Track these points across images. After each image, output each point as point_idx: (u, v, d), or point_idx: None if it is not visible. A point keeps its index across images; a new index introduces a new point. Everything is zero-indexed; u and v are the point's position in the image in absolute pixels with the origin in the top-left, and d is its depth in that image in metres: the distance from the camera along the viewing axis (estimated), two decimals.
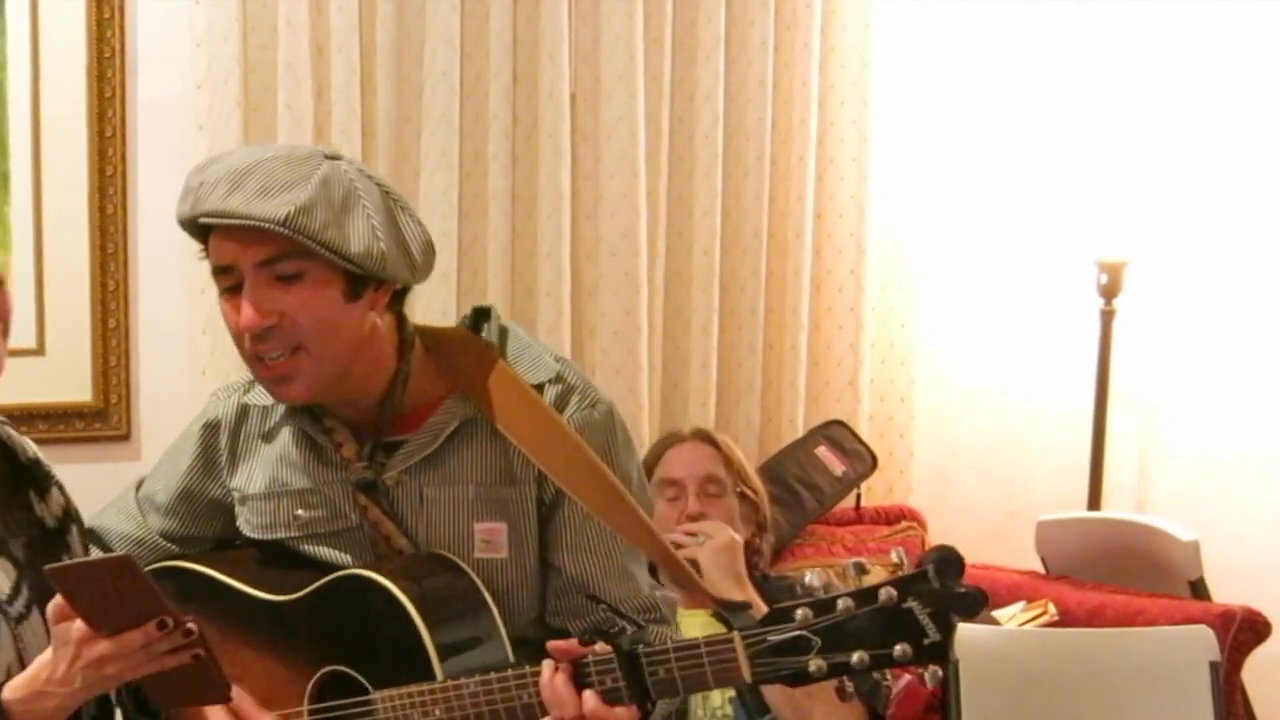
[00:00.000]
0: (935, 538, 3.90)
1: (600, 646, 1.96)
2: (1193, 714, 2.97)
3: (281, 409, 2.31)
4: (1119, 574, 3.52)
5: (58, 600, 1.86)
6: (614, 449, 2.28)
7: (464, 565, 2.22)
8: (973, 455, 4.24)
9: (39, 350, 3.51)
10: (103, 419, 3.56)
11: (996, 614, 3.42)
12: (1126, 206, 3.85)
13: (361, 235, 2.08)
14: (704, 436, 3.33)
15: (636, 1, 3.75)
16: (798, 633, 1.78)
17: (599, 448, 2.24)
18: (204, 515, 2.43)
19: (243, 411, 2.37)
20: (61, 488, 2.22)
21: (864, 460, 3.89)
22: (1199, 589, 3.47)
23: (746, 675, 1.85)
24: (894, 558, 1.86)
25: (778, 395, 4.02)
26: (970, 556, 3.81)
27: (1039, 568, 3.71)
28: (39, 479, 2.19)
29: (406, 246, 2.16)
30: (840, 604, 1.77)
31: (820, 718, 2.74)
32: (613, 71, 3.77)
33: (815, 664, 1.78)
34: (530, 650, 2.15)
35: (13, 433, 2.19)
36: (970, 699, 2.98)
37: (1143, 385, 4.08)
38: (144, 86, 3.54)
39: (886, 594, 1.75)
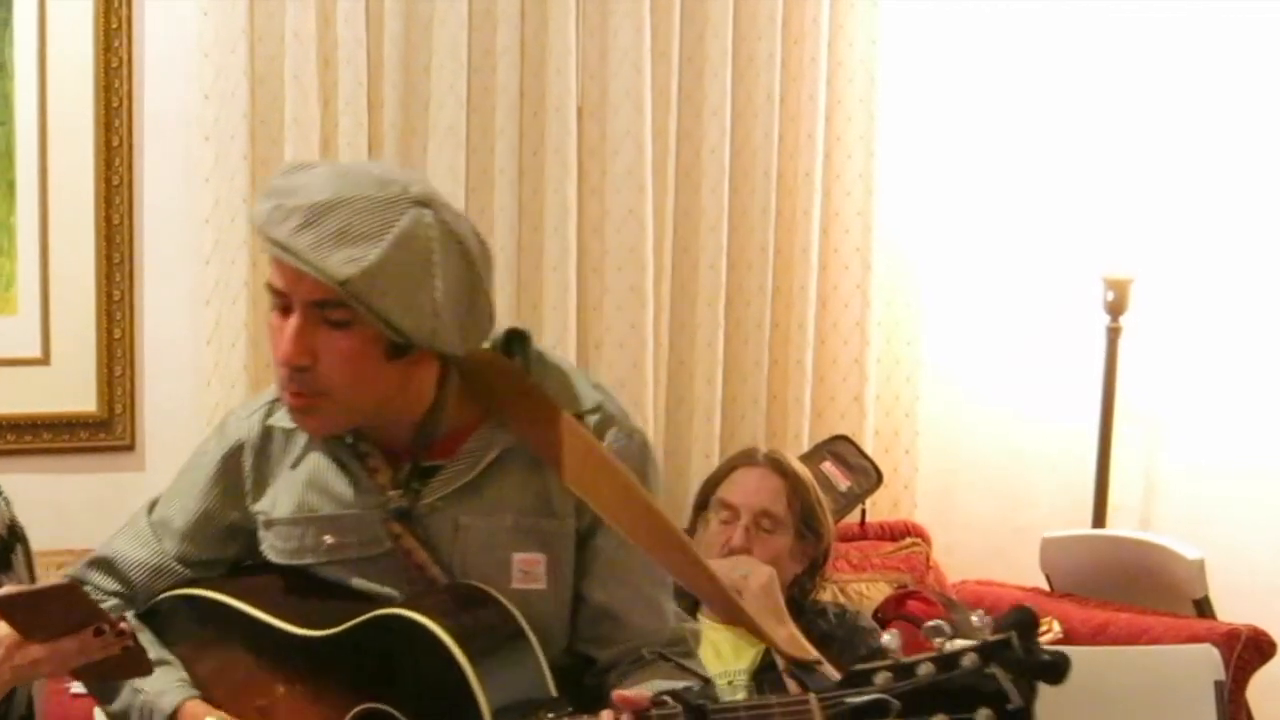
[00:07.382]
0: (939, 554, 3.89)
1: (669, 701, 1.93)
2: None
3: None
4: (1123, 592, 3.51)
5: None
6: (648, 481, 2.25)
7: (501, 597, 2.17)
8: (977, 471, 4.23)
9: (44, 360, 3.51)
10: (107, 429, 3.55)
11: None
12: (1133, 223, 3.85)
13: (420, 309, 2.02)
14: (777, 466, 3.24)
15: (644, 16, 3.76)
16: (877, 696, 1.77)
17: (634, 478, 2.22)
18: (222, 539, 2.36)
19: (266, 434, 2.31)
20: (9, 502, 2.23)
21: (869, 476, 3.88)
22: (1204, 607, 3.46)
23: None
24: (975, 620, 1.81)
25: (783, 410, 4.01)
26: (974, 573, 3.87)
27: (1043, 585, 3.70)
28: None
29: (468, 319, 2.10)
30: (921, 669, 1.74)
31: None
32: (620, 86, 3.77)
33: None
34: (557, 678, 2.13)
35: None
36: None
37: (1148, 403, 4.08)
38: (151, 97, 3.54)
39: (970, 660, 1.73)
